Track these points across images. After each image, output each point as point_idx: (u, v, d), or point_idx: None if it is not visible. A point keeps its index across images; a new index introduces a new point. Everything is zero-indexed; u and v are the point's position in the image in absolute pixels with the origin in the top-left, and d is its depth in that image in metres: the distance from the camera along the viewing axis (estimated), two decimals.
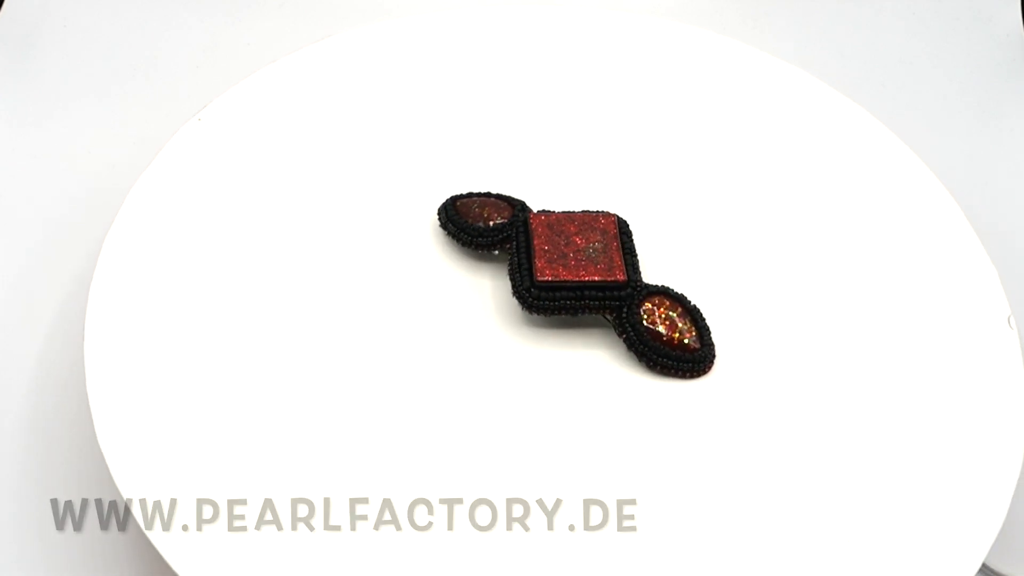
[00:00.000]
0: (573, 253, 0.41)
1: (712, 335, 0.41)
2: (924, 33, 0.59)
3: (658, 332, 0.40)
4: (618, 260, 0.41)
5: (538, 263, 0.40)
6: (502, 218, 0.43)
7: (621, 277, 0.40)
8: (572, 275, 0.40)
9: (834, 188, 0.46)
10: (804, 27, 0.58)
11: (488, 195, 0.44)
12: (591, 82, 0.49)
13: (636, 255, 0.42)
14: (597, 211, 0.43)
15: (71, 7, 0.56)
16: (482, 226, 0.42)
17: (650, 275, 0.43)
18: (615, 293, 0.40)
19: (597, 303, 0.40)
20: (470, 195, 0.44)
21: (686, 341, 0.40)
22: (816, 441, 0.39)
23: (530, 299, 0.40)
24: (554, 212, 0.42)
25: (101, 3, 0.56)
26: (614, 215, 0.43)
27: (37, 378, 0.43)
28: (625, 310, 0.41)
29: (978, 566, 0.36)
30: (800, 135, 0.48)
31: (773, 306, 0.43)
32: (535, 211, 0.43)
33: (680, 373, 0.40)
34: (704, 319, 0.41)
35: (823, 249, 0.44)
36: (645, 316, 0.40)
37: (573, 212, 0.42)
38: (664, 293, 0.41)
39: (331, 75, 0.48)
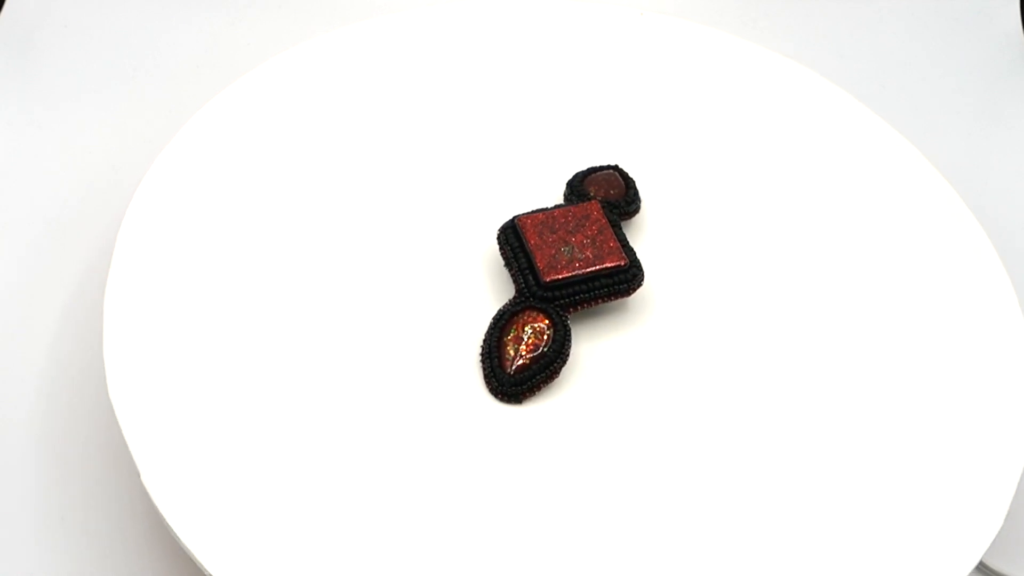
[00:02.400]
0: (583, 241, 0.41)
1: (536, 376, 0.39)
2: (924, 33, 0.59)
3: (501, 332, 0.40)
4: (576, 208, 0.42)
5: (606, 258, 0.41)
6: (543, 317, 0.40)
7: (595, 203, 0.42)
8: (610, 238, 0.41)
9: (841, 186, 0.46)
10: (804, 28, 0.58)
11: (492, 343, 0.41)
12: (596, 79, 0.49)
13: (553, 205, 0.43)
14: (509, 229, 0.42)
15: (71, 7, 0.56)
16: (554, 334, 0.40)
17: (653, 272, 0.43)
18: (607, 208, 0.42)
19: (618, 226, 0.42)
20: (496, 364, 0.40)
21: (507, 360, 0.39)
22: (817, 437, 0.39)
23: (639, 277, 0.41)
24: (536, 264, 0.41)
25: (101, 3, 0.56)
26: (520, 217, 0.42)
27: (46, 380, 0.43)
28: (611, 208, 0.42)
29: (975, 564, 0.36)
30: (806, 133, 0.48)
31: (775, 301, 0.43)
32: (530, 283, 0.41)
33: (486, 378, 0.40)
34: (554, 369, 0.39)
35: (830, 244, 0.44)
36: (519, 317, 0.40)
37: (529, 248, 0.41)
38: (580, 182, 0.43)
39: (335, 70, 0.48)
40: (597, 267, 0.40)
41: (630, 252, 0.41)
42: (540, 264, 0.40)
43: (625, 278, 0.41)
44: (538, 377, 0.39)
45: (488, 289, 0.42)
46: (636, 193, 0.44)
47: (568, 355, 0.40)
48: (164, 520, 0.34)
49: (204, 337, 0.39)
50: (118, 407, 0.36)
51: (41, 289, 0.46)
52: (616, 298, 0.41)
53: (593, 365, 0.41)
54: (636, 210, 0.44)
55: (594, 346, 0.41)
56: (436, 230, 0.44)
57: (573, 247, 0.41)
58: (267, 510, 0.35)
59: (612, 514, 0.37)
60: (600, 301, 0.41)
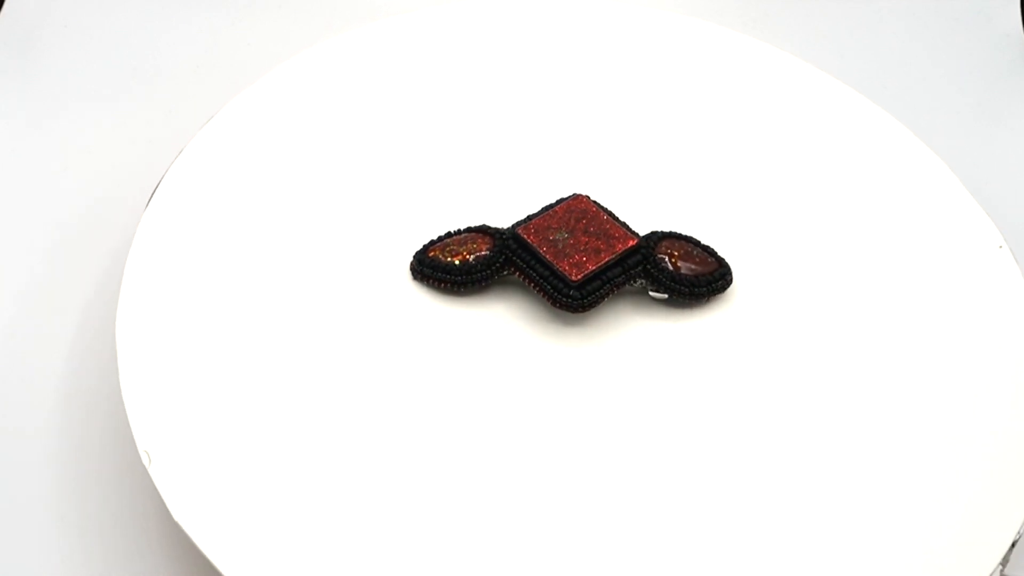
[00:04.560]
0: (582, 243, 0.41)
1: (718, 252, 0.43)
2: (924, 33, 0.59)
3: (688, 269, 0.42)
4: (619, 229, 0.42)
5: (563, 267, 0.41)
6: (489, 247, 0.42)
7: (633, 241, 0.41)
8: (596, 262, 0.41)
9: (853, 183, 0.46)
10: (804, 28, 0.58)
11: (452, 233, 0.43)
12: (603, 78, 0.49)
13: (619, 217, 0.43)
14: (564, 198, 0.43)
15: (71, 8, 0.56)
16: (474, 261, 0.42)
17: None
18: (636, 257, 0.41)
19: (625, 276, 0.41)
20: (434, 242, 0.43)
21: (710, 263, 0.42)
22: (833, 440, 0.39)
23: (576, 302, 0.40)
24: (531, 220, 0.42)
25: (101, 3, 0.56)
26: (579, 195, 0.43)
27: (60, 388, 0.43)
28: (649, 266, 0.41)
29: (991, 569, 0.36)
30: (813, 130, 0.48)
31: (784, 299, 0.43)
32: (512, 226, 0.42)
33: (718, 292, 0.42)
34: (698, 240, 0.43)
35: (842, 242, 0.44)
36: (666, 262, 0.42)
37: (547, 211, 0.42)
38: (662, 238, 0.42)
39: (340, 74, 0.48)
40: (553, 259, 0.41)
41: (588, 290, 0.41)
42: (533, 222, 0.42)
43: (562, 290, 0.40)
44: (432, 272, 0.42)
45: (505, 295, 0.42)
46: (706, 286, 0.42)
47: (461, 285, 0.41)
48: (177, 523, 0.34)
49: (216, 343, 0.39)
50: (131, 412, 0.37)
51: (49, 291, 0.45)
52: (538, 290, 0.41)
53: (602, 360, 0.41)
54: (690, 294, 0.42)
55: (601, 341, 0.41)
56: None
57: (569, 235, 0.41)
58: (280, 513, 0.35)
59: (612, 512, 0.37)
60: (522, 277, 0.41)
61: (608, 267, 0.41)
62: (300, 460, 0.37)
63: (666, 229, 0.44)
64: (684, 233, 0.43)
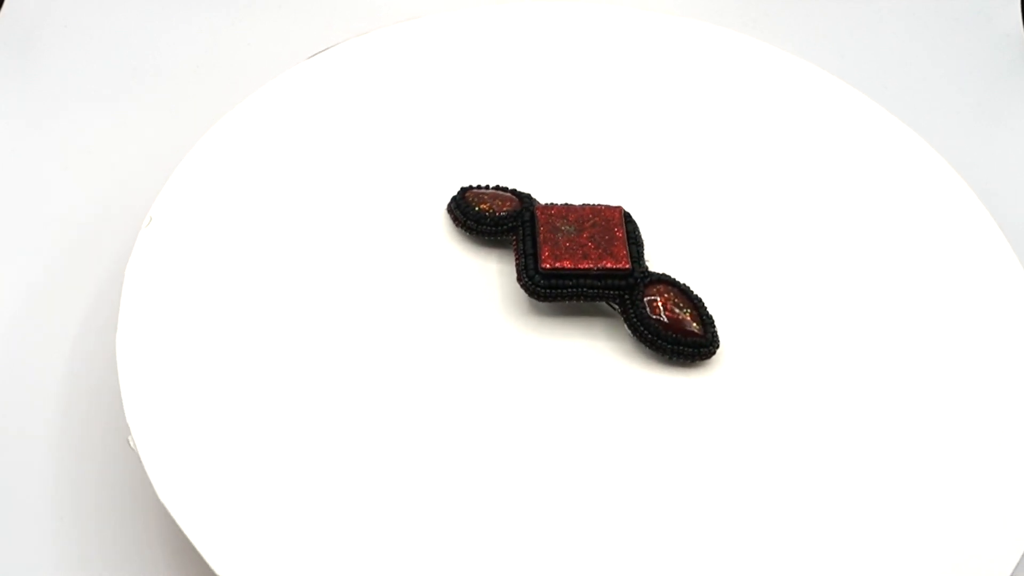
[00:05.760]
0: (578, 243, 0.41)
1: (716, 322, 0.41)
2: (924, 33, 0.59)
3: (662, 319, 0.40)
4: (622, 249, 0.41)
5: (543, 252, 0.41)
6: (509, 209, 0.43)
7: (625, 265, 0.41)
8: (575, 263, 0.41)
9: (853, 181, 0.46)
10: (804, 28, 0.58)
11: (499, 188, 0.45)
12: (605, 79, 0.49)
13: (642, 245, 0.42)
14: (602, 204, 0.43)
15: (71, 7, 0.56)
16: (488, 214, 0.43)
17: (663, 270, 0.43)
18: (618, 281, 0.41)
19: (599, 291, 0.41)
20: (480, 187, 0.45)
21: (692, 327, 0.40)
22: (835, 444, 0.39)
23: (534, 286, 0.41)
24: (559, 204, 0.43)
25: (101, 3, 0.56)
26: (619, 207, 0.43)
27: (61, 389, 0.43)
28: (628, 297, 0.41)
29: None
30: (812, 129, 0.48)
31: (786, 300, 0.43)
32: (542, 204, 0.43)
33: (684, 358, 0.40)
34: (705, 306, 0.41)
35: (844, 242, 0.44)
36: (649, 303, 0.40)
37: (579, 204, 0.43)
38: (665, 281, 0.41)
39: (342, 80, 0.48)
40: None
41: (551, 283, 0.41)
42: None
43: (528, 270, 0.41)
44: (456, 208, 0.44)
45: (504, 298, 0.42)
46: (671, 344, 0.41)
47: (469, 230, 0.43)
48: (179, 528, 0.34)
49: (217, 345, 0.39)
50: (130, 413, 0.37)
51: (50, 291, 0.45)
52: (516, 262, 0.42)
53: (547, 356, 0.41)
54: (651, 343, 0.41)
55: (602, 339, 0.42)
56: (447, 232, 0.44)
57: (590, 238, 0.41)
58: (278, 515, 0.36)
59: (621, 518, 0.37)
60: (514, 246, 0.42)
61: (586, 275, 0.41)
62: (299, 463, 0.37)
63: (649, 225, 0.44)
64: (696, 293, 0.42)
